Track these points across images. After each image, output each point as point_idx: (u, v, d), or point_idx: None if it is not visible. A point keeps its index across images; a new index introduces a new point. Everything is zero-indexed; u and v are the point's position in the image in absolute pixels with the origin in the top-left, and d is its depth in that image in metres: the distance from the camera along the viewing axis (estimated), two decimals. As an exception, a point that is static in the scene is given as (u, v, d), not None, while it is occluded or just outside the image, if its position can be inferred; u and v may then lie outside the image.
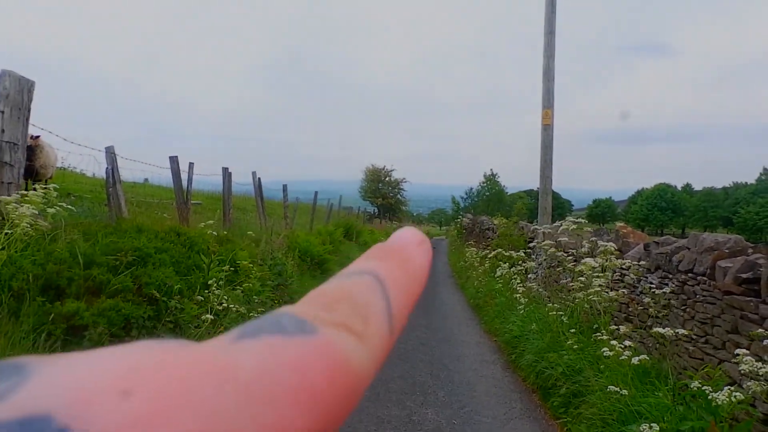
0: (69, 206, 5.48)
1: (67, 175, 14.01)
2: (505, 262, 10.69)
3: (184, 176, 8.80)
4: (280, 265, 8.86)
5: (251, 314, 6.36)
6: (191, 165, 9.03)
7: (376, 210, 50.33)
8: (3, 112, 5.51)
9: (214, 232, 7.65)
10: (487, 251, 14.15)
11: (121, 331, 4.62)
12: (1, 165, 5.46)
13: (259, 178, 13.05)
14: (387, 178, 55.07)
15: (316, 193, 18.95)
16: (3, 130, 5.47)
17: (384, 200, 53.31)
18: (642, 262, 6.25)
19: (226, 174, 10.48)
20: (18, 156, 5.72)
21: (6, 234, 4.57)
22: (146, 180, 18.36)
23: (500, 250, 11.44)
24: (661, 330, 4.90)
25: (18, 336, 4.01)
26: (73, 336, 4.35)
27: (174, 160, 8.55)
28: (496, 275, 11.29)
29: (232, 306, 5.99)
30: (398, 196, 55.85)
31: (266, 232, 10.16)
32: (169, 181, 8.84)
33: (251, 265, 6.95)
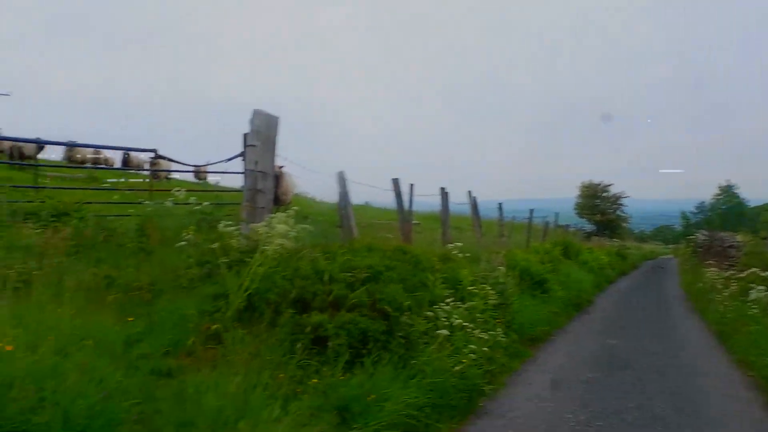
0: (306, 226, 6.00)
1: (300, 200, 15.52)
2: (761, 285, 9.33)
3: (404, 198, 9.16)
4: (502, 283, 8.72)
5: (477, 332, 6.31)
6: (412, 186, 9.39)
7: (594, 227, 47.70)
8: (256, 146, 6.28)
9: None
10: (733, 271, 12.60)
11: (359, 344, 4.85)
12: (256, 192, 6.21)
13: (475, 197, 13.18)
14: (604, 194, 52.04)
15: (531, 210, 18.67)
16: (257, 162, 6.23)
17: (602, 217, 50.33)
18: None
19: (444, 194, 10.71)
20: (268, 183, 6.46)
21: (261, 252, 5.14)
22: (367, 202, 19.63)
23: (754, 270, 10.00)
24: None
25: (274, 343, 4.45)
26: (317, 345, 4.70)
27: (396, 183, 8.96)
28: (748, 299, 9.91)
29: (465, 323, 6.03)
30: (617, 212, 52.37)
31: (485, 251, 10.11)
32: (385, 203, 9.29)
33: (474, 284, 6.95)
